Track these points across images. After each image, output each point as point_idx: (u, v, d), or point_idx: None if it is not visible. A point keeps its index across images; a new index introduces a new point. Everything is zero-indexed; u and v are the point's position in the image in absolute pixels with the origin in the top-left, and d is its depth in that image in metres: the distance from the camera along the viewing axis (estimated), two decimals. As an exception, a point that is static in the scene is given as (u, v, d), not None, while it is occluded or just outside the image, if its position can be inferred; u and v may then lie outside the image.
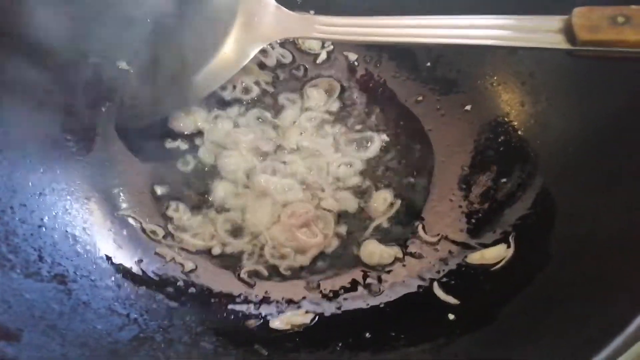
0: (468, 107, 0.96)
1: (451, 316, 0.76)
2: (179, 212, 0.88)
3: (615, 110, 0.80)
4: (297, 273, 0.84)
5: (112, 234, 0.85)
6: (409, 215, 0.89)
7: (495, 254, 0.81)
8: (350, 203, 0.89)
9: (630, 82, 0.77)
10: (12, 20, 0.82)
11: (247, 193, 0.89)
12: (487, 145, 0.93)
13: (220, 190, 0.90)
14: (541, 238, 0.79)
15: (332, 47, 1.04)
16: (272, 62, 1.02)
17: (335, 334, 0.77)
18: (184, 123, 0.94)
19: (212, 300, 0.81)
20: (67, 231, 0.82)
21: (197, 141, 0.94)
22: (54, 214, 0.82)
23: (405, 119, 0.97)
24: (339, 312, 0.81)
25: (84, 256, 0.81)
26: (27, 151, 0.84)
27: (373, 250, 0.85)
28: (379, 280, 0.84)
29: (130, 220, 0.87)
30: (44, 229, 0.80)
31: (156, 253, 0.85)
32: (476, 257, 0.82)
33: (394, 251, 0.85)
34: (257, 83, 1.00)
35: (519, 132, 0.92)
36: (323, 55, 1.04)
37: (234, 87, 0.98)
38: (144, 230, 0.87)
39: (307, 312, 0.80)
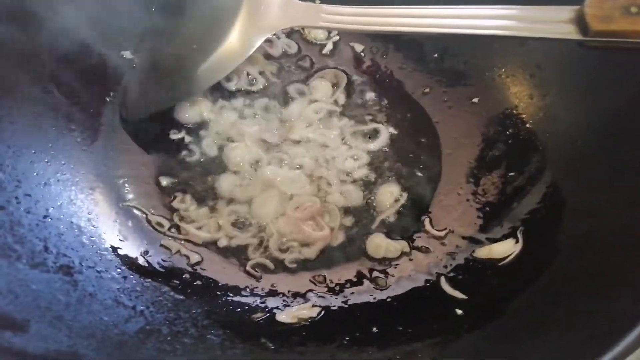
0: (476, 100, 0.95)
1: (458, 311, 0.76)
2: (185, 204, 0.88)
3: (624, 103, 0.79)
4: (303, 266, 0.84)
5: (118, 225, 0.85)
6: (416, 208, 0.88)
7: (504, 249, 0.80)
8: (357, 196, 0.89)
9: (639, 74, 0.76)
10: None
11: (252, 185, 0.89)
12: (495, 138, 0.92)
13: (225, 182, 0.89)
14: (550, 232, 0.78)
15: (338, 37, 1.03)
16: (278, 52, 1.01)
17: (341, 328, 0.77)
18: (189, 113, 0.94)
19: (218, 292, 0.81)
20: (72, 222, 0.82)
21: (202, 132, 0.93)
22: (59, 204, 0.82)
23: (412, 111, 0.97)
24: (345, 305, 0.81)
25: (90, 247, 0.81)
26: (31, 141, 0.83)
27: (379, 244, 0.85)
28: (386, 274, 0.83)
29: (136, 212, 0.87)
30: (49, 220, 0.79)
31: (162, 245, 0.85)
32: (484, 252, 0.82)
33: (401, 245, 0.85)
34: (262, 73, 0.99)
35: (528, 125, 0.91)
36: (329, 46, 1.03)
37: (239, 77, 0.97)
38: (149, 221, 0.87)
39: (313, 305, 0.80)
